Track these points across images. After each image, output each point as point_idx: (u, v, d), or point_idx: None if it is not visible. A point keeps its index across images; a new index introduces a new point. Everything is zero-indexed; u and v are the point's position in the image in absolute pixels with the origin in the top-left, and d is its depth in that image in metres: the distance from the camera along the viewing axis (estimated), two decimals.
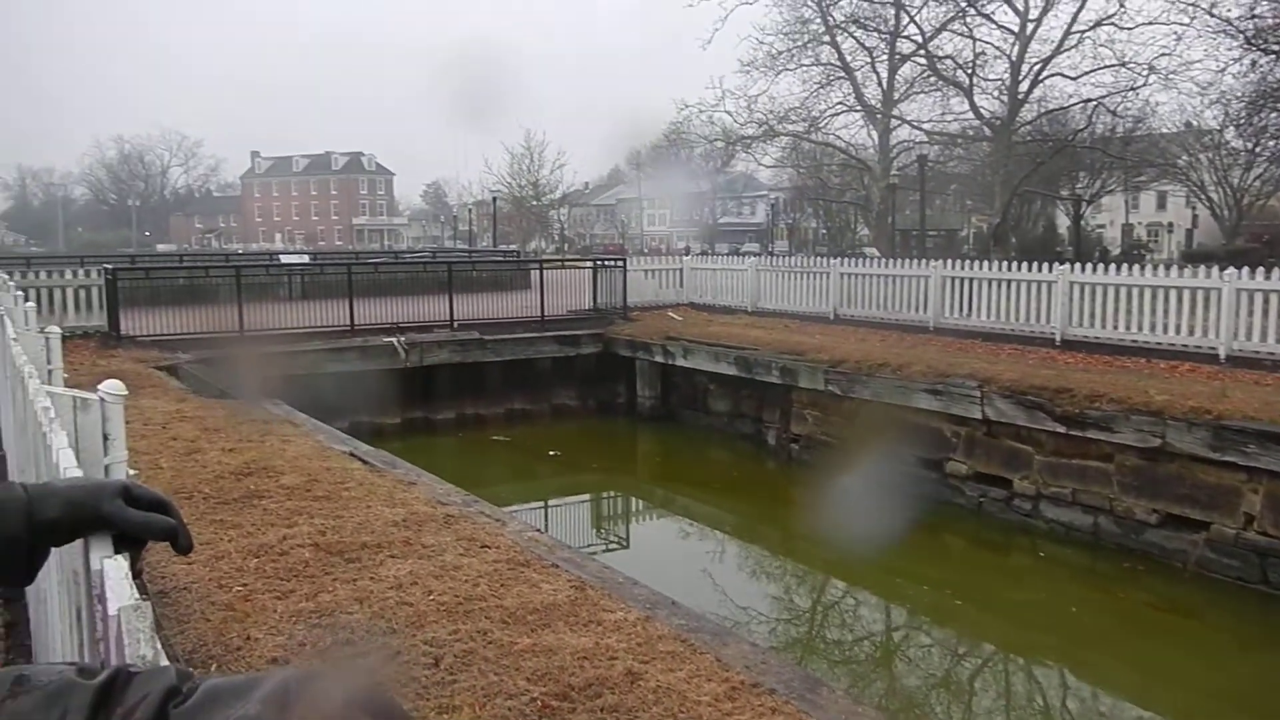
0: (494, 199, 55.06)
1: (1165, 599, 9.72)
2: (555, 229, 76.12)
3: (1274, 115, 26.04)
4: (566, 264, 23.63)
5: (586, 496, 14.94)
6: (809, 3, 32.64)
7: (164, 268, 23.33)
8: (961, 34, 31.66)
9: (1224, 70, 26.34)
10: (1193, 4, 26.08)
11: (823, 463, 13.78)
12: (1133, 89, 29.62)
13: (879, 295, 17.37)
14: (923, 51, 32.59)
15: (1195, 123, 37.35)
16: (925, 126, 34.35)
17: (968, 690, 8.56)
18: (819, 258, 24.55)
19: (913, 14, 32.07)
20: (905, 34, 32.65)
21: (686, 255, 27.95)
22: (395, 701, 0.66)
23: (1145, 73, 28.49)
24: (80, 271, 16.94)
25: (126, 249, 66.26)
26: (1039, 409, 11.08)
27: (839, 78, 33.42)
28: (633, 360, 17.83)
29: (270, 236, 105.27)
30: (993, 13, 30.78)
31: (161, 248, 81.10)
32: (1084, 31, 29.28)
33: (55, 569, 1.83)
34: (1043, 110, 32.30)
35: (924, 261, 17.78)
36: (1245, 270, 12.64)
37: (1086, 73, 30.00)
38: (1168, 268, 14.37)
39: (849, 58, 33.09)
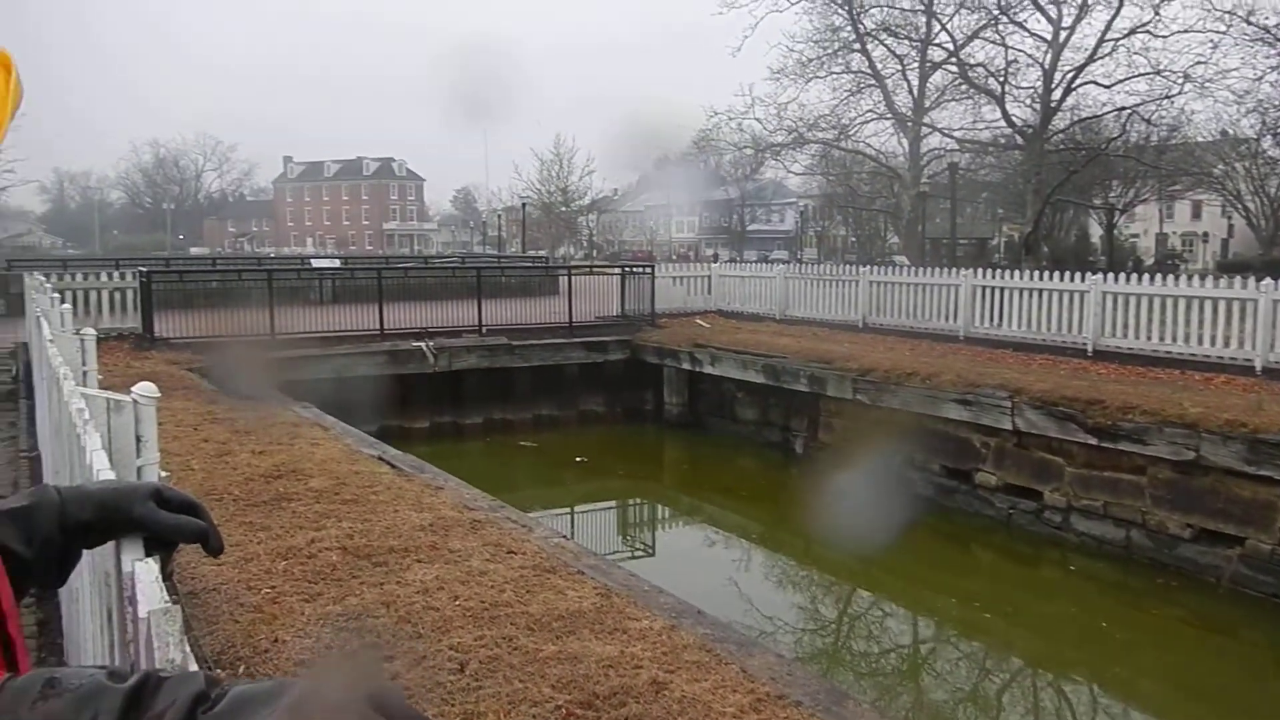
0: (523, 205, 55.31)
1: (1198, 615, 9.57)
2: (584, 235, 76.29)
3: None
4: (595, 270, 23.67)
5: (613, 503, 14.94)
6: (840, 10, 32.63)
7: (197, 271, 23.62)
8: (993, 42, 31.49)
9: (1261, 78, 26.08)
10: (1229, 11, 25.82)
11: (850, 472, 13.69)
12: (1167, 97, 29.29)
13: (908, 304, 17.26)
14: (954, 59, 32.42)
15: (1231, 131, 36.86)
16: (956, 134, 34.18)
17: (995, 706, 8.47)
18: (848, 266, 24.45)
19: (944, 22, 31.97)
20: (936, 42, 32.53)
21: (715, 263, 27.92)
22: (416, 710, 0.65)
23: (1180, 81, 28.20)
24: (115, 274, 17.20)
25: (161, 252, 67.37)
26: (1070, 420, 10.95)
27: (869, 85, 33.36)
28: (660, 367, 17.82)
29: (302, 240, 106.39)
30: (1025, 21, 30.58)
31: (195, 251, 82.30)
32: (1118, 39, 29.00)
33: (87, 569, 1.85)
34: (1076, 118, 31.99)
35: (954, 270, 17.65)
36: None
37: (1120, 81, 29.71)
38: (1203, 278, 14.18)
39: (880, 65, 33.04)
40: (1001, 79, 31.17)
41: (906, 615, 10.52)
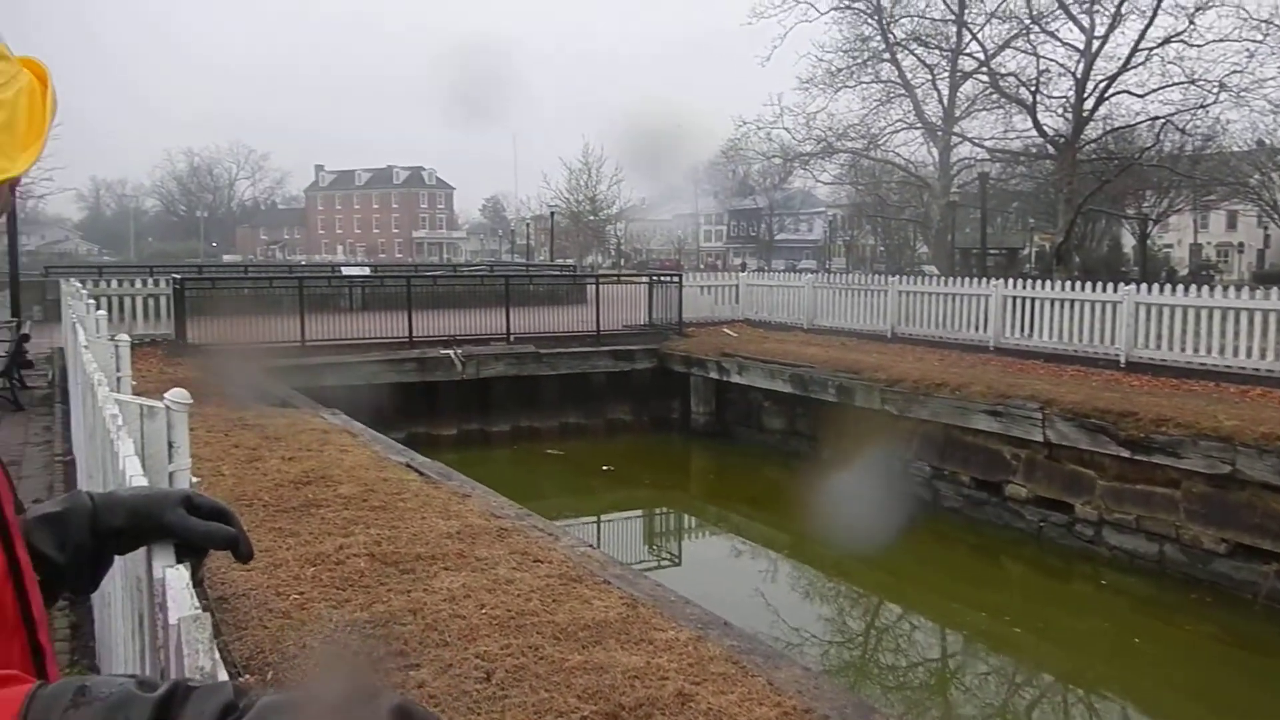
0: (551, 214, 55.51)
1: (1233, 632, 9.40)
2: (611, 244, 76.41)
3: None
4: (622, 279, 23.71)
5: (639, 512, 14.92)
6: (869, 20, 32.48)
7: (229, 278, 23.91)
8: (1025, 51, 31.17)
9: None
10: (1266, 20, 25.47)
11: (878, 483, 13.59)
12: (1202, 106, 28.86)
13: (938, 314, 17.14)
14: (985, 69, 32.16)
15: (1268, 141, 36.33)
16: (987, 144, 33.85)
17: None
18: (877, 275, 24.32)
19: (975, 31, 31.71)
20: (967, 51, 32.28)
21: (743, 272, 27.89)
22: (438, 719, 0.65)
23: (1215, 90, 27.77)
24: (149, 281, 17.42)
25: (194, 259, 68.30)
26: (1102, 432, 10.82)
27: (899, 95, 33.16)
28: (687, 376, 17.80)
29: (332, 248, 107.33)
30: (1057, 30, 30.28)
31: (227, 258, 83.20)
32: (1152, 49, 28.62)
33: (120, 574, 1.86)
34: (1108, 128, 31.61)
35: (984, 280, 17.52)
36: None
37: (1154, 90, 29.30)
38: (1238, 289, 13.99)
39: (910, 75, 32.83)
40: (1033, 88, 30.86)
41: (934, 629, 10.42)
